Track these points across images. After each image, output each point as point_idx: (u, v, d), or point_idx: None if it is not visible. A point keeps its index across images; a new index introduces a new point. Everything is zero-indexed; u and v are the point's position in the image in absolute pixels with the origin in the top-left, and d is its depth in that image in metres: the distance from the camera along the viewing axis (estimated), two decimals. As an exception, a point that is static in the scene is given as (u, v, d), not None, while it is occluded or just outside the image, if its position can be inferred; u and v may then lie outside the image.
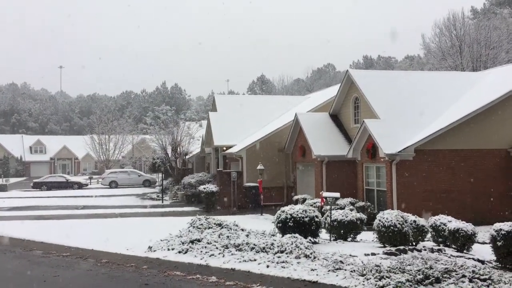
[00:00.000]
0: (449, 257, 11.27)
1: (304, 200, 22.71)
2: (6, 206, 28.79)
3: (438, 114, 21.48)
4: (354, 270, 9.06)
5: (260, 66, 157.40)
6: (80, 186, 47.08)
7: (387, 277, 8.42)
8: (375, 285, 8.22)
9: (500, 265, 11.00)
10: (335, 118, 25.97)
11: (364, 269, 8.93)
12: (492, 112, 20.05)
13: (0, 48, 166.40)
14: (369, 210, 19.68)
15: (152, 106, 72.89)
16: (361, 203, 20.41)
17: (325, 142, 24.03)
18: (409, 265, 8.96)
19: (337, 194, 14.81)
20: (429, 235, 14.27)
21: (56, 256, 13.00)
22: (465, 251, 12.87)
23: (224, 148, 31.12)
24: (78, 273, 10.89)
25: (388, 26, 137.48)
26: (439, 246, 13.44)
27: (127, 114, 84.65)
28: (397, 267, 8.85)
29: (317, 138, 24.29)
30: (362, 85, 23.18)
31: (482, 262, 11.35)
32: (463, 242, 12.86)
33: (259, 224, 18.19)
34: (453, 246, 13.22)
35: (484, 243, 14.07)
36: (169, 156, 37.40)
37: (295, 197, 24.30)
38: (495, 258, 11.26)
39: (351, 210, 16.14)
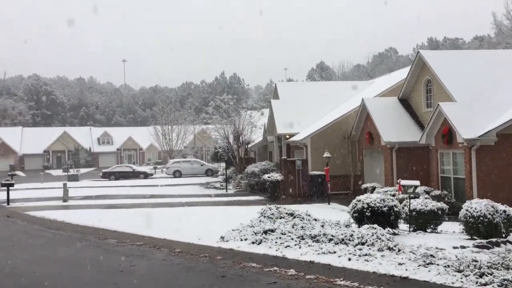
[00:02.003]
0: (549, 251, 10.16)
1: (373, 188, 21.82)
2: (78, 196, 29.85)
3: (521, 95, 19.81)
4: (448, 265, 8.26)
5: (318, 53, 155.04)
6: (146, 175, 48.28)
7: (489, 273, 7.58)
8: (476, 282, 7.41)
9: None
10: (405, 102, 24.72)
11: (461, 264, 8.13)
12: None
13: (68, 45, 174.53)
14: (446, 199, 18.52)
15: (212, 96, 73.64)
16: (436, 192, 19.29)
17: (394, 127, 22.95)
18: (514, 260, 8.07)
19: (417, 182, 13.90)
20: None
21: (130, 245, 13.05)
22: None
23: (287, 136, 30.61)
24: (153, 263, 10.80)
25: (453, 5, 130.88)
26: (533, 238, 12.27)
27: (187, 105, 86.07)
28: (499, 263, 7.98)
29: (386, 123, 23.23)
30: (435, 66, 21.85)
31: None
32: (562, 234, 11.65)
33: (328, 214, 17.56)
34: (548, 238, 12.01)
35: None
36: (231, 145, 37.39)
37: (364, 186, 23.44)
38: None
39: (426, 199, 15.22)
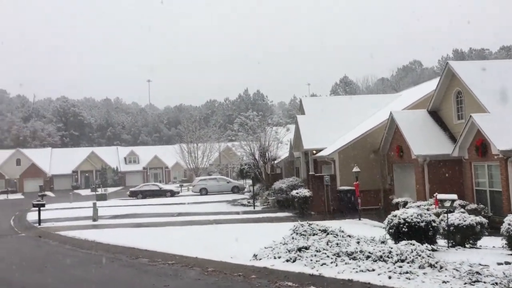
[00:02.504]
0: None
1: (405, 203, 21.35)
2: (107, 215, 30.04)
3: (557, 103, 19.21)
4: (496, 283, 7.89)
5: (342, 68, 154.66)
6: (173, 193, 48.44)
7: (541, 291, 7.21)
8: (529, 300, 7.05)
9: None
10: (435, 114, 24.24)
11: (510, 282, 7.75)
12: None
13: (95, 66, 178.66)
14: (482, 213, 17.91)
15: (236, 114, 73.99)
16: (472, 206, 18.68)
17: (425, 140, 22.48)
18: None
19: (454, 196, 13.49)
20: None
21: (162, 264, 12.96)
22: None
23: (314, 151, 30.31)
24: (187, 282, 10.66)
25: (476, 16, 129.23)
26: None
27: (212, 122, 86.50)
28: (551, 280, 7.58)
29: (416, 136, 22.79)
30: (465, 77, 21.41)
31: None
32: None
33: (361, 230, 17.17)
34: None
35: None
36: (258, 161, 37.22)
37: (395, 200, 22.94)
38: None
39: (462, 213, 14.74)
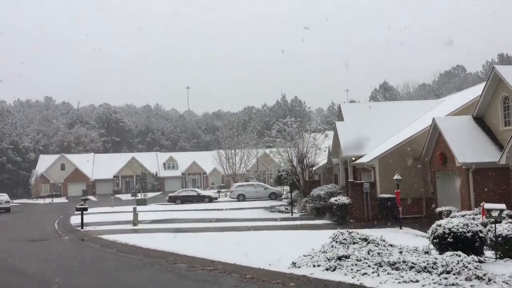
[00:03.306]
0: None
1: (449, 212, 20.66)
2: (147, 219, 30.49)
3: None
4: (551, 298, 7.48)
5: (381, 74, 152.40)
6: (210, 199, 48.77)
7: None
8: None
9: None
10: (480, 121, 23.43)
11: None
12: None
13: (136, 74, 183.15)
14: (532, 223, 17.10)
15: (274, 120, 73.93)
16: (521, 216, 17.88)
17: (470, 147, 21.75)
18: None
19: (503, 206, 12.94)
20: None
21: (200, 270, 12.99)
22: None
23: (353, 158, 29.86)
24: (226, 289, 10.64)
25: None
26: None
27: (250, 129, 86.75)
28: None
29: (461, 143, 22.07)
30: (513, 82, 20.60)
31: None
32: None
33: (402, 239, 16.74)
34: None
35: None
36: (295, 168, 36.99)
37: (439, 209, 22.23)
38: None
39: (510, 223, 14.10)
